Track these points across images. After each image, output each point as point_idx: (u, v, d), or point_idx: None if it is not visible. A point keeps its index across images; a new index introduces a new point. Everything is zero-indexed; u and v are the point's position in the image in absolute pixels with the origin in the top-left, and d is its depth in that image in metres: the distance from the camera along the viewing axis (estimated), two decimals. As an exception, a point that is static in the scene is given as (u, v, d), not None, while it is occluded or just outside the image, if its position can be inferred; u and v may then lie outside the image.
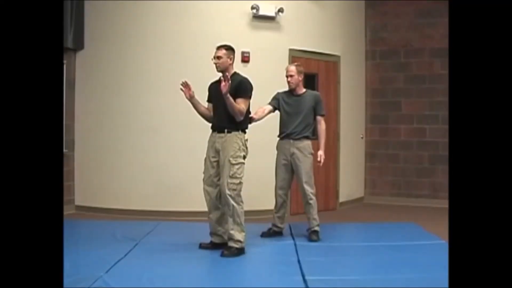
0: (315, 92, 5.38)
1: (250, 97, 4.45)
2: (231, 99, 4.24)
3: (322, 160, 5.03)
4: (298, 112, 5.03)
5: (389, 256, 4.33)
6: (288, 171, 5.07)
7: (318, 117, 5.11)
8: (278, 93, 5.18)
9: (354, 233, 5.71)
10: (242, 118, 4.37)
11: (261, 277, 3.78)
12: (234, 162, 4.30)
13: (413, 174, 7.82)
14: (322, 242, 4.87)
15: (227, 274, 3.83)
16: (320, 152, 5.03)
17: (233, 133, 4.37)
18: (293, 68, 5.10)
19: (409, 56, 7.82)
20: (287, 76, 5.08)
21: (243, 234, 4.33)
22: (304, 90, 5.14)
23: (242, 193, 4.37)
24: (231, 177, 4.28)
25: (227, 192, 4.27)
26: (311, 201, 4.98)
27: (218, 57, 4.43)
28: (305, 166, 4.99)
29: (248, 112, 4.52)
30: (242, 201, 4.35)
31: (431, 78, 7.67)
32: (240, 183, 4.33)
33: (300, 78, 5.10)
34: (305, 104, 5.05)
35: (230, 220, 4.30)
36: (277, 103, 5.11)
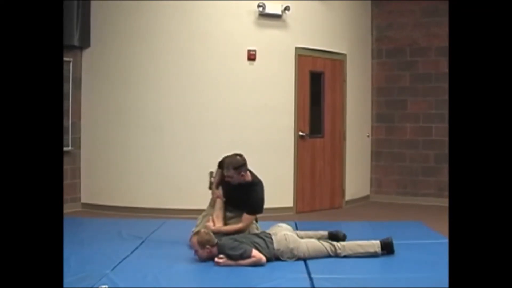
0: None
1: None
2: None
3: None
4: None
5: (395, 255, 4.31)
6: None
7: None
8: None
9: (360, 231, 5.67)
10: None
11: (267, 275, 3.77)
12: None
13: (419, 173, 7.80)
14: (328, 240, 4.85)
15: (233, 272, 3.83)
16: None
17: None
18: None
19: (415, 55, 7.80)
20: None
21: None
22: None
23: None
24: None
25: None
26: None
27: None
28: None
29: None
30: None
31: (437, 76, 7.65)
32: None
33: None
34: None
35: None
36: None
